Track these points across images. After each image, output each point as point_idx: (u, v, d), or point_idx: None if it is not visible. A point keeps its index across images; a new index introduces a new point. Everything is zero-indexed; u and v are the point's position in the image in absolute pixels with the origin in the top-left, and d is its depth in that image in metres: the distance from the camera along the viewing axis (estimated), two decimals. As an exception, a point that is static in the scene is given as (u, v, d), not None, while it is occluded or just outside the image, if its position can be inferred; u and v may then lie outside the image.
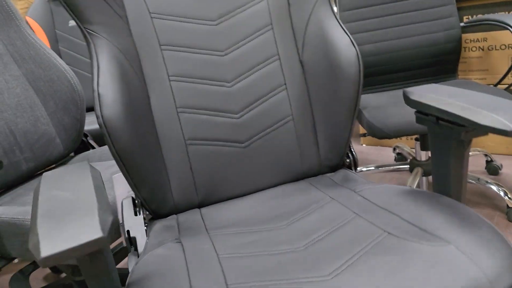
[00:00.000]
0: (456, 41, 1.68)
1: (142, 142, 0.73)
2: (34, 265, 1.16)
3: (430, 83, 1.63)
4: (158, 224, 0.77)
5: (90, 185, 0.55)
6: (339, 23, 0.83)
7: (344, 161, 0.91)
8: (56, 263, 0.41)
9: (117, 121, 0.69)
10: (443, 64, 1.70)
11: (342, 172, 0.89)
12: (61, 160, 1.22)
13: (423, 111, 0.73)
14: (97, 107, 0.68)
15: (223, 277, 0.58)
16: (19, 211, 0.93)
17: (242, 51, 0.84)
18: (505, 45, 1.86)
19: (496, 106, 0.63)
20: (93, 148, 1.28)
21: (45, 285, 1.32)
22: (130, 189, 0.91)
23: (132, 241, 0.73)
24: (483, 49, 1.91)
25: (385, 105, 1.42)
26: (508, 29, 1.43)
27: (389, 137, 1.33)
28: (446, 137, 0.71)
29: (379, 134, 1.32)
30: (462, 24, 1.67)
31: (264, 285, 0.55)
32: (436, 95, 0.71)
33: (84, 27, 0.70)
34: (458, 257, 0.54)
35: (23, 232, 0.91)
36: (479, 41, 1.91)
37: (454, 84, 1.55)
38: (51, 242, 0.42)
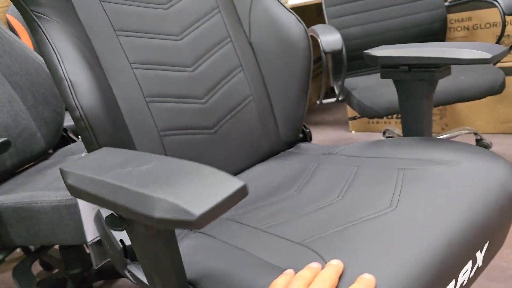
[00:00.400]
0: (441, 21, 1.67)
1: (121, 136, 0.69)
2: (34, 257, 1.15)
3: (417, 64, 1.62)
4: None
5: (160, 157, 0.47)
6: (282, 4, 0.87)
7: (298, 137, 0.95)
8: (209, 222, 0.35)
9: (98, 111, 0.63)
10: (429, 44, 1.69)
11: (301, 145, 0.92)
12: (42, 156, 1.18)
13: (392, 64, 0.79)
14: (72, 98, 0.61)
15: (285, 240, 0.56)
16: (23, 195, 0.91)
17: (195, 34, 0.82)
18: (490, 24, 1.86)
19: (466, 45, 0.73)
20: (74, 142, 1.24)
21: (39, 280, 1.30)
22: None
23: (127, 252, 0.65)
24: (468, 29, 1.90)
25: (374, 86, 1.41)
26: (495, 5, 1.42)
27: (380, 116, 1.32)
28: (418, 82, 0.78)
29: (370, 113, 1.32)
30: (446, 3, 1.66)
31: (339, 230, 0.55)
32: (400, 48, 0.79)
33: (31, 10, 0.63)
34: (477, 168, 0.62)
35: (31, 216, 0.89)
36: (464, 21, 1.90)
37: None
38: (198, 200, 0.36)
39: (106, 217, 0.49)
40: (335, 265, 0.48)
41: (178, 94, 0.79)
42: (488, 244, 0.57)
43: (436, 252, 0.49)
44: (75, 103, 0.62)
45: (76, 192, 0.49)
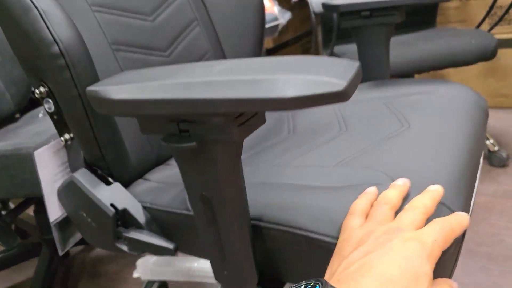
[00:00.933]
0: (433, -10, 1.62)
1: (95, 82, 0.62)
2: (14, 213, 1.10)
3: (409, 33, 1.57)
4: (138, 188, 0.63)
5: (228, 60, 0.42)
6: None
7: None
8: (353, 93, 0.32)
9: (78, 47, 0.52)
10: (421, 14, 1.64)
11: None
12: (11, 118, 1.10)
13: (353, 11, 0.82)
14: (48, 29, 0.50)
15: (318, 166, 0.53)
16: (6, 144, 0.82)
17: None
18: (483, -6, 1.81)
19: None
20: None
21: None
22: (58, 168, 0.76)
23: (120, 217, 0.57)
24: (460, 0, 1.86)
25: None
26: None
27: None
28: (377, 27, 0.82)
29: (363, 76, 1.28)
30: (439, -29, 1.61)
31: (370, 148, 0.55)
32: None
33: None
34: (452, 93, 0.69)
35: (15, 164, 0.80)
36: (456, -9, 1.85)
37: (434, 32, 1.49)
38: (331, 73, 0.32)
39: (167, 137, 0.40)
40: (432, 191, 0.41)
41: (142, 44, 0.71)
42: (483, 150, 0.65)
43: (466, 154, 0.53)
44: (52, 36, 0.50)
45: (134, 106, 0.39)
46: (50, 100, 0.58)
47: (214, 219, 0.44)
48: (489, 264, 0.98)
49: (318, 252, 0.42)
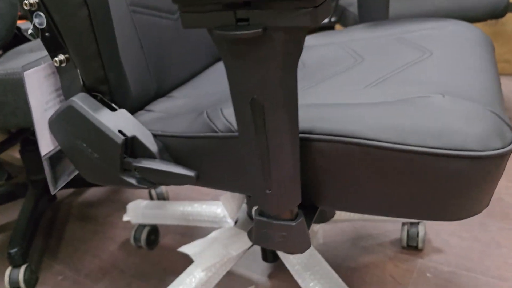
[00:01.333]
0: None
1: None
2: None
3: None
4: (143, 118, 0.58)
5: None
6: None
7: None
8: None
9: None
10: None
11: None
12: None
13: None
14: None
15: (347, 89, 0.49)
16: None
17: None
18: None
19: None
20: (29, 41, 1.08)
21: None
22: (50, 95, 0.69)
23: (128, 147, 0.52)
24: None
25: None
26: None
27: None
28: None
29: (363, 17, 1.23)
30: None
31: (397, 73, 0.53)
32: None
33: None
34: (460, 29, 0.67)
35: (7, 90, 0.74)
36: None
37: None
38: None
39: (223, 27, 0.35)
40: None
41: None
42: None
43: (494, 78, 0.51)
44: None
45: None
46: (42, 14, 0.51)
47: (264, 128, 0.39)
48: (488, 221, 0.99)
49: (372, 160, 0.39)
